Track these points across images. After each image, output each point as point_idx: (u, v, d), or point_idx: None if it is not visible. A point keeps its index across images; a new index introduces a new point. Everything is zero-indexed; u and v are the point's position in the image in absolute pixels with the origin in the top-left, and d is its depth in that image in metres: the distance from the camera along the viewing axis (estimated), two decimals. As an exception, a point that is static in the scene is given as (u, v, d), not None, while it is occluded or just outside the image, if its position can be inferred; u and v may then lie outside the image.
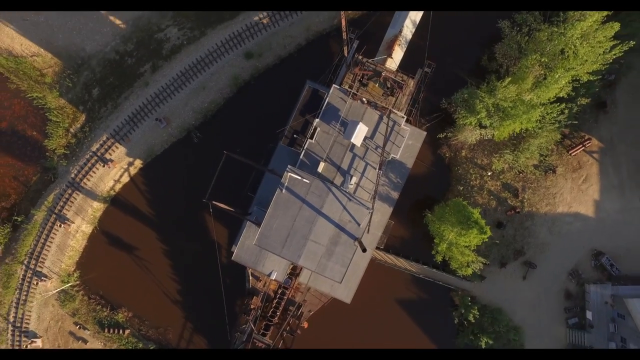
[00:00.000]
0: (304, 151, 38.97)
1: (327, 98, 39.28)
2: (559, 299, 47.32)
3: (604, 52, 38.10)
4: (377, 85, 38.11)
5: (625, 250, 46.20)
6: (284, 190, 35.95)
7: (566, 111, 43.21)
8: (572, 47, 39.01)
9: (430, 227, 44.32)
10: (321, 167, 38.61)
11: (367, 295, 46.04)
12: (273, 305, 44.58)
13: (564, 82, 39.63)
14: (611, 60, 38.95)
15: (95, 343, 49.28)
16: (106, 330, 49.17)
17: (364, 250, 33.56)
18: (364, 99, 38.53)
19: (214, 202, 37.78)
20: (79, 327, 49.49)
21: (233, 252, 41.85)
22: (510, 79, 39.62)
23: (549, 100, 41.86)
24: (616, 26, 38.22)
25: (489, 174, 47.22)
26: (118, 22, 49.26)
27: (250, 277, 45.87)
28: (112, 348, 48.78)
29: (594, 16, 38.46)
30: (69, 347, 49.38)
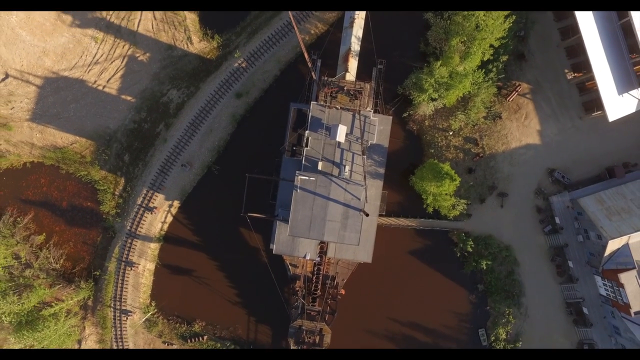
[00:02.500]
0: (304, 157, 52.70)
1: (310, 113, 52.97)
2: (533, 215, 61.25)
3: (500, 23, 51.65)
4: (343, 95, 51.88)
5: (571, 162, 60.20)
6: (298, 190, 49.76)
7: (494, 69, 57.23)
8: (483, 21, 52.80)
9: (416, 187, 58.29)
10: (320, 165, 52.36)
11: (384, 255, 60.00)
12: (313, 282, 58.40)
13: (481, 50, 53.23)
14: (507, 30, 52.48)
15: (183, 353, 63.22)
16: (189, 341, 63.15)
17: (367, 215, 47.41)
18: (337, 107, 52.27)
19: (249, 214, 51.63)
20: (167, 345, 63.50)
21: (272, 250, 55.64)
22: (441, 61, 53.31)
23: (477, 66, 55.69)
24: (506, 1, 51.91)
25: (451, 133, 61.03)
26: (129, 98, 63.08)
27: (290, 267, 59.75)
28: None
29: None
30: (164, 363, 63.32)
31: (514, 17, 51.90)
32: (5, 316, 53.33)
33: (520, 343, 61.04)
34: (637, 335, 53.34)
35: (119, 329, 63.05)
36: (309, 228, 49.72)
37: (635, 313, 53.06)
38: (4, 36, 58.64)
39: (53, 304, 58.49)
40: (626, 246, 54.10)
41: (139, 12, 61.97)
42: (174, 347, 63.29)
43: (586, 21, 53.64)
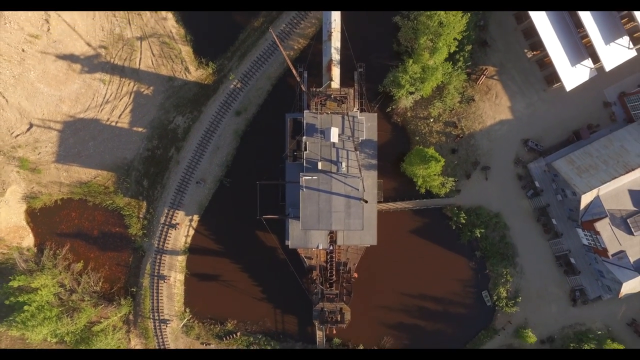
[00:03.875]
0: (305, 160, 61.06)
1: (304, 120, 61.32)
2: (515, 182, 69.71)
3: (459, 18, 60.02)
4: (332, 102, 60.28)
5: (542, 131, 68.68)
6: (304, 189, 58.14)
7: (461, 59, 65.65)
8: (444, 18, 61.16)
9: (407, 173, 66.74)
10: (320, 165, 60.66)
11: (389, 237, 68.22)
12: (328, 270, 66.72)
13: (446, 44, 61.53)
14: (466, 23, 60.88)
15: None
16: (224, 339, 71.55)
17: (366, 202, 55.81)
18: (327, 112, 60.66)
19: (264, 216, 60.05)
20: (205, 345, 71.88)
21: (288, 246, 63.94)
22: (413, 59, 61.72)
23: (445, 58, 64.06)
24: (461, -1, 60.35)
25: (431, 120, 69.46)
26: (140, 129, 71.45)
27: (305, 259, 68.07)
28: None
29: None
30: (204, 362, 71.69)
31: (465, 20, 60.30)
32: (66, 336, 61.75)
33: (520, 298, 69.49)
34: (617, 275, 61.88)
35: (160, 337, 71.46)
36: (318, 220, 58.13)
37: (612, 255, 61.52)
38: (25, 91, 67.08)
39: (101, 321, 66.94)
40: (597, 198, 62.46)
41: (139, 51, 70.40)
42: (212, 346, 71.73)
43: (534, 6, 62.04)
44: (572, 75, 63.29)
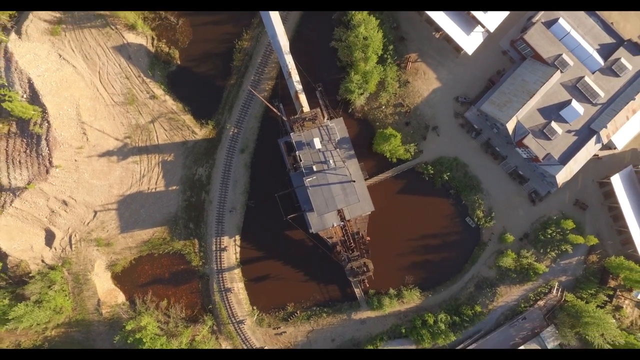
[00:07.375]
0: (303, 168, 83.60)
1: (293, 140, 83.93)
2: (460, 129, 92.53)
3: (377, 31, 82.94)
4: (308, 122, 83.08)
5: (466, 87, 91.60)
6: (310, 188, 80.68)
7: (388, 57, 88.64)
8: (367, 33, 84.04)
9: (378, 151, 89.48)
10: (315, 167, 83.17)
11: (382, 202, 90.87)
12: (347, 241, 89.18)
13: (374, 52, 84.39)
14: (384, 33, 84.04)
15: (289, 329, 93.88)
16: (289, 319, 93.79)
17: (354, 181, 78.73)
18: (307, 129, 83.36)
19: (289, 216, 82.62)
20: (275, 329, 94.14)
21: (312, 233, 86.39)
22: (353, 70, 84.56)
23: (377, 62, 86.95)
24: (374, 19, 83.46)
25: (383, 107, 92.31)
26: (174, 187, 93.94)
27: (327, 239, 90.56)
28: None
29: (364, 15, 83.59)
30: (278, 343, 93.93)
31: (381, 30, 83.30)
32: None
33: (494, 213, 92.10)
34: (551, 171, 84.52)
35: (242, 335, 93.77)
36: (327, 206, 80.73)
37: (543, 158, 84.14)
38: (85, 189, 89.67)
39: (197, 334, 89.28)
40: (518, 122, 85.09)
41: (154, 131, 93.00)
42: (281, 328, 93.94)
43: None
44: (470, 41, 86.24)
